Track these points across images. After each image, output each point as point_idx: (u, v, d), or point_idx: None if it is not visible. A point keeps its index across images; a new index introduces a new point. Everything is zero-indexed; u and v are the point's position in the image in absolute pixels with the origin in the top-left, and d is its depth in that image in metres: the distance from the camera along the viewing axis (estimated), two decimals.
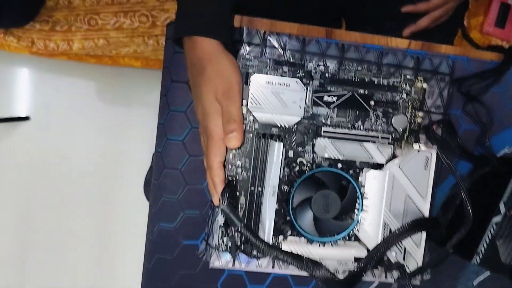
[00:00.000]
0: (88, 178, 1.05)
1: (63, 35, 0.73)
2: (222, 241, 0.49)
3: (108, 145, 1.02)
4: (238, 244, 0.48)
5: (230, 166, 0.49)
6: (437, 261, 0.46)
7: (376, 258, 0.44)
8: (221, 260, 0.50)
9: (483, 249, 0.52)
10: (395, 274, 0.49)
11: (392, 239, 0.45)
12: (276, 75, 0.49)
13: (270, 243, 0.44)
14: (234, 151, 0.49)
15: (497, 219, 0.52)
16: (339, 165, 0.50)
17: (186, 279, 0.55)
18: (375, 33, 0.54)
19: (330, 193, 0.46)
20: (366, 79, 0.50)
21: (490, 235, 0.52)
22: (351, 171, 0.50)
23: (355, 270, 0.44)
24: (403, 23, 0.67)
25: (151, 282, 0.56)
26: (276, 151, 0.46)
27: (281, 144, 0.46)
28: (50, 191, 1.05)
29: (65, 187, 1.05)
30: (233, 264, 0.50)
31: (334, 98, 0.49)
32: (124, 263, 1.10)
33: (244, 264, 0.50)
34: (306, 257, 0.42)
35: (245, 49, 0.49)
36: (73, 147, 1.02)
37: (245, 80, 0.48)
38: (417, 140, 0.51)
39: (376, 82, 0.50)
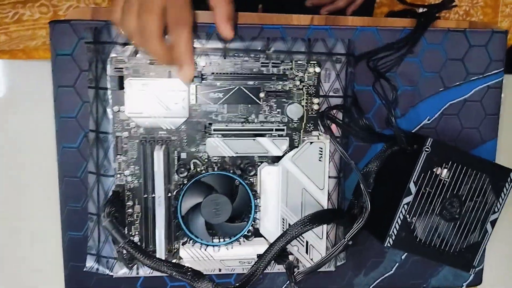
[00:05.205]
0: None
1: None
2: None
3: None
4: None
5: (118, 175, 0.47)
6: (334, 254, 0.45)
7: (268, 260, 0.43)
8: (124, 269, 0.49)
9: (395, 231, 0.51)
10: (299, 267, 0.48)
11: (285, 237, 0.44)
12: (153, 75, 0.46)
13: (156, 256, 0.43)
14: (121, 158, 0.47)
15: (408, 199, 0.51)
16: (238, 163, 0.48)
17: (104, 282, 0.55)
18: None
19: (219, 197, 0.44)
20: (254, 70, 0.47)
21: (401, 216, 0.51)
22: (250, 169, 0.48)
23: (249, 274, 0.43)
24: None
25: (70, 286, 0.56)
26: (157, 159, 0.44)
27: (161, 152, 0.44)
28: None
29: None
30: (137, 273, 0.49)
31: (221, 94, 0.47)
32: None
33: (148, 270, 0.49)
34: (187, 268, 0.40)
35: (116, 50, 0.45)
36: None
37: (120, 85, 0.45)
38: (316, 128, 0.49)
39: (265, 72, 0.47)
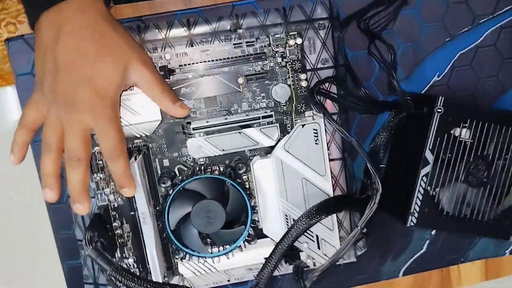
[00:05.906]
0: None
1: None
2: None
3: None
4: None
5: (98, 195, 0.42)
6: (348, 246, 0.39)
7: (275, 262, 0.38)
8: None
9: (417, 207, 0.45)
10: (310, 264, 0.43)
11: (290, 235, 0.38)
12: None
13: (149, 279, 0.38)
14: (98, 177, 0.42)
15: (426, 170, 0.44)
16: (228, 161, 0.43)
17: None
18: None
19: (210, 203, 0.39)
20: (227, 54, 0.41)
21: (421, 190, 0.45)
22: (241, 166, 0.42)
23: (256, 281, 0.38)
24: None
25: None
26: (133, 172, 0.39)
27: (135, 164, 0.39)
28: None
29: None
30: None
31: (194, 88, 0.41)
32: None
33: None
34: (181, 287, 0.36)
35: None
36: None
37: None
38: (309, 107, 0.43)
39: (240, 54, 0.41)
